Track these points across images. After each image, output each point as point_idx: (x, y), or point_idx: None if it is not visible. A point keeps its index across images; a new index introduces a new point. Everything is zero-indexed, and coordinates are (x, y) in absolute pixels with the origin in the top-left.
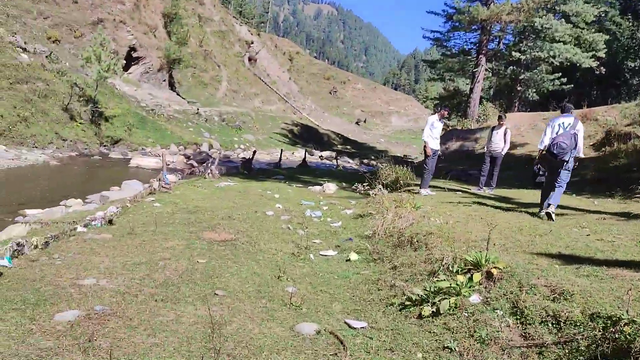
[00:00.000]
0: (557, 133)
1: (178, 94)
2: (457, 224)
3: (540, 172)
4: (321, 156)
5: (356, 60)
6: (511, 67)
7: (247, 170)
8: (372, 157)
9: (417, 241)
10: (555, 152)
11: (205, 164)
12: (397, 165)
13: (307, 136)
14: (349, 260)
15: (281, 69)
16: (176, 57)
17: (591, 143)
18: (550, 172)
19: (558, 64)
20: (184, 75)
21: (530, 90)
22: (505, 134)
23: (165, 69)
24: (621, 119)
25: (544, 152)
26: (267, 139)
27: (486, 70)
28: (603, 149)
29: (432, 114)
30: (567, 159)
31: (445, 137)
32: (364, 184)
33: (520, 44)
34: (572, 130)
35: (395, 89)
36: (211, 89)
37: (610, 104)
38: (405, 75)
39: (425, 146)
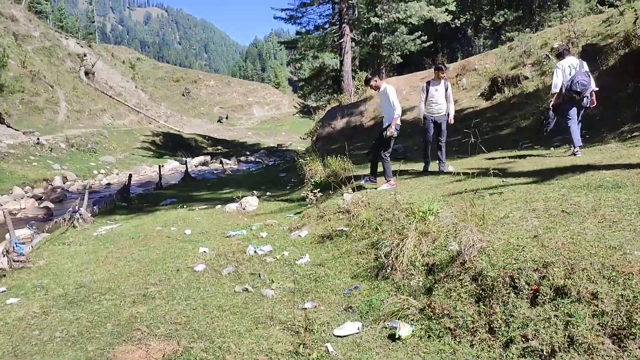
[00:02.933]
0: (569, 74)
1: (9, 126)
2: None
3: (550, 120)
4: (197, 164)
5: (198, 59)
6: (372, 33)
7: (127, 200)
8: (248, 154)
9: (526, 280)
10: (579, 89)
11: (71, 209)
12: (317, 155)
13: (172, 145)
14: (398, 338)
15: (124, 79)
16: None
17: (479, 94)
18: (578, 110)
19: (415, 23)
20: (11, 103)
21: (394, 53)
22: (447, 90)
23: None
24: (502, 64)
25: (562, 94)
26: (129, 156)
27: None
28: (494, 97)
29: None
30: (587, 95)
31: (329, 116)
32: (313, 192)
33: (376, 9)
34: (584, 69)
35: None
36: (49, 113)
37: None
38: (251, 66)
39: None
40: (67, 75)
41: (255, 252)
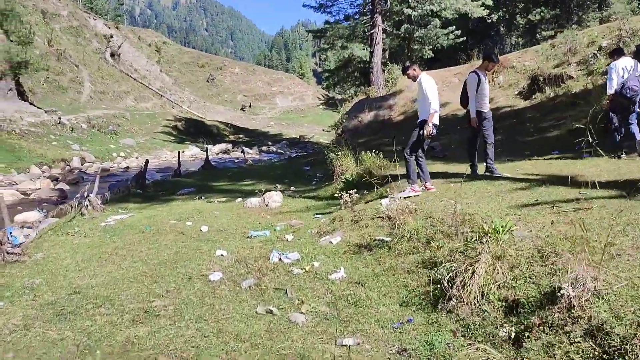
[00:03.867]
0: (622, 77)
1: (32, 104)
2: None
3: (616, 123)
4: (218, 152)
5: (224, 46)
6: (404, 25)
7: (142, 188)
8: (270, 144)
9: None
10: (628, 95)
11: (80, 193)
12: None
13: (194, 131)
14: None
15: (149, 62)
16: (21, 60)
17: (516, 92)
18: (623, 115)
19: (450, 17)
20: (36, 81)
21: (426, 47)
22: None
23: (10, 76)
24: (543, 62)
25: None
26: (150, 140)
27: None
28: (533, 96)
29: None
30: (637, 101)
31: (356, 109)
32: (348, 192)
33: (409, 0)
34: (637, 73)
35: None
36: (72, 93)
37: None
38: (276, 56)
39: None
40: (93, 55)
41: (280, 259)
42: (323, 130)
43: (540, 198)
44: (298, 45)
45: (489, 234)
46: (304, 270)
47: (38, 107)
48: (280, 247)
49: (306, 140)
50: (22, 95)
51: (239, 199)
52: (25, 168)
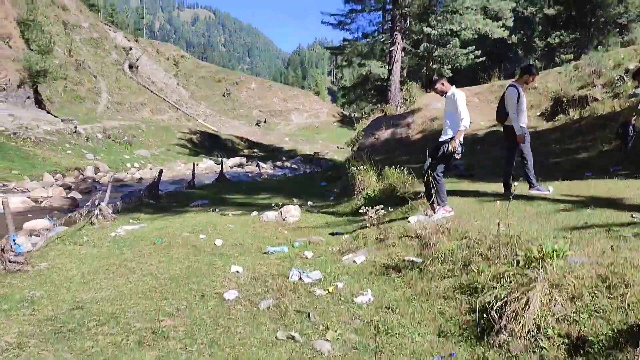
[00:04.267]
0: None
1: (49, 112)
2: None
3: (630, 134)
4: (233, 165)
5: (240, 62)
6: (424, 44)
7: (154, 198)
8: (284, 159)
9: None
10: None
11: (90, 201)
12: (372, 164)
13: (209, 144)
14: None
15: (167, 75)
16: (40, 68)
17: (538, 113)
18: None
19: (469, 37)
20: (54, 90)
21: (445, 66)
22: None
23: (29, 84)
24: (566, 84)
25: None
26: (165, 152)
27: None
28: (556, 117)
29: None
30: None
31: (373, 127)
32: (373, 208)
33: (429, 19)
34: None
35: None
36: (89, 102)
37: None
38: (292, 73)
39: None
40: (111, 67)
41: (300, 278)
42: (337, 147)
43: (590, 220)
44: (314, 64)
45: (542, 258)
46: (326, 292)
47: (55, 116)
48: (299, 265)
49: (320, 157)
50: (39, 103)
51: (255, 213)
52: (38, 176)
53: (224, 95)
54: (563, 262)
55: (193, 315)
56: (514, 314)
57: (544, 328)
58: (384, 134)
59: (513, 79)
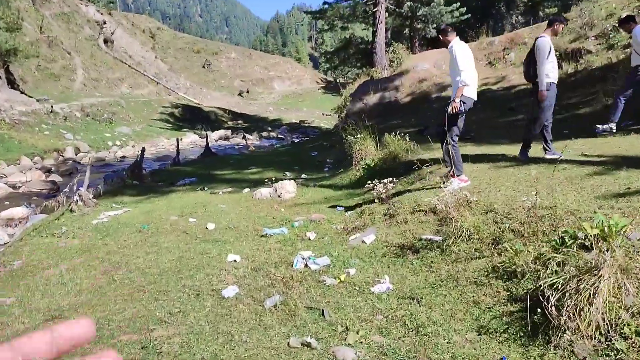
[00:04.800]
0: None
1: (23, 92)
2: None
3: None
4: (218, 138)
5: (218, 32)
6: (408, 3)
7: (138, 178)
8: (269, 129)
9: None
10: None
11: (69, 186)
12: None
13: (191, 117)
14: None
15: (144, 48)
16: (10, 47)
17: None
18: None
19: None
20: (26, 69)
21: (429, 26)
22: None
23: None
24: (558, 37)
25: None
26: (147, 128)
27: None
28: None
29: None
30: None
31: (360, 91)
32: (381, 181)
33: None
34: None
35: None
36: (65, 80)
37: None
38: (272, 40)
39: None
40: (86, 42)
41: (306, 265)
42: (323, 114)
43: (631, 184)
44: (294, 30)
45: (603, 237)
46: (338, 280)
47: (29, 96)
48: (303, 248)
49: (306, 125)
50: (12, 84)
51: (246, 190)
52: (15, 159)
53: (203, 67)
54: (621, 239)
55: (189, 320)
56: (575, 308)
57: (617, 325)
58: (372, 98)
59: (541, 32)
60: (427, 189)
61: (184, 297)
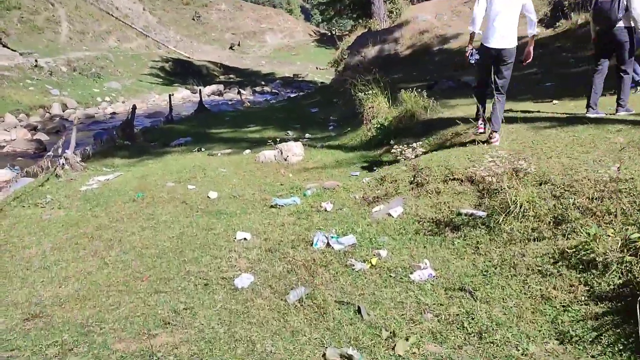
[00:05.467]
0: None
1: (5, 46)
2: None
3: None
4: (210, 93)
5: None
6: None
7: (129, 138)
8: (263, 84)
9: None
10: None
11: (53, 148)
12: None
13: (182, 72)
14: None
15: (131, 0)
16: None
17: (537, 20)
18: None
19: None
20: (8, 21)
21: None
22: None
23: None
24: None
25: None
26: (136, 83)
27: None
28: (557, 23)
29: None
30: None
31: (358, 44)
32: (407, 144)
33: None
34: None
35: None
36: (50, 33)
37: None
38: None
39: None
40: None
41: (328, 244)
42: (317, 68)
43: None
44: None
45: None
46: (369, 265)
47: (12, 50)
48: (320, 222)
49: (300, 79)
50: None
51: (247, 151)
52: None
53: (193, 19)
54: None
55: (197, 321)
56: None
57: None
58: (371, 51)
59: None
60: (457, 152)
61: (190, 287)
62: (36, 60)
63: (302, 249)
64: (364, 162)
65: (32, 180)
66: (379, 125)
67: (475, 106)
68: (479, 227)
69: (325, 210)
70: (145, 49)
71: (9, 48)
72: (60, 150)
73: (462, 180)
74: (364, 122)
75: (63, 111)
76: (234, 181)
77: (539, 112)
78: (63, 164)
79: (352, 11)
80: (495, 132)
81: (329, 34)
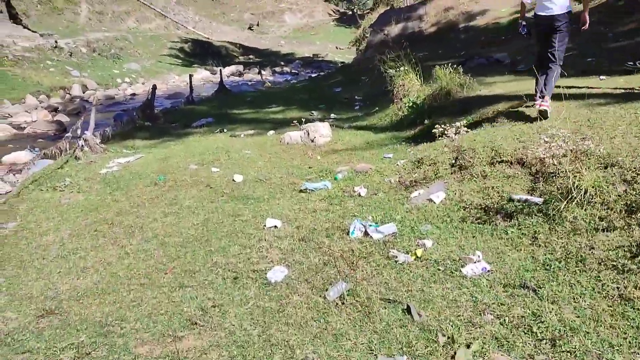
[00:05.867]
0: None
1: (26, 27)
2: None
3: None
4: (230, 74)
5: None
6: None
7: (150, 119)
8: (282, 64)
9: None
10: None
11: (71, 129)
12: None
13: (201, 52)
14: None
15: None
16: None
17: None
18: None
19: None
20: (29, 2)
21: None
22: None
23: None
24: None
25: None
26: (156, 64)
27: None
28: None
29: None
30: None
31: (381, 22)
32: (450, 124)
33: None
34: None
35: None
36: (69, 14)
37: None
38: None
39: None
40: None
41: (365, 232)
42: (337, 47)
43: None
44: None
45: None
46: (413, 257)
47: (33, 31)
48: (355, 209)
49: (320, 59)
50: (14, 18)
51: (271, 132)
52: (20, 98)
53: None
54: None
55: (227, 321)
56: None
57: None
58: (394, 29)
59: None
60: (503, 132)
61: (218, 281)
62: (56, 42)
63: (338, 238)
64: (397, 143)
65: (51, 163)
66: (411, 104)
67: (516, 83)
68: (535, 215)
69: (359, 195)
70: (164, 30)
71: (29, 29)
72: (79, 132)
73: (511, 163)
74: (394, 101)
75: (83, 92)
76: (259, 164)
77: (588, 88)
78: (82, 145)
79: None
80: (546, 96)
81: (350, 12)
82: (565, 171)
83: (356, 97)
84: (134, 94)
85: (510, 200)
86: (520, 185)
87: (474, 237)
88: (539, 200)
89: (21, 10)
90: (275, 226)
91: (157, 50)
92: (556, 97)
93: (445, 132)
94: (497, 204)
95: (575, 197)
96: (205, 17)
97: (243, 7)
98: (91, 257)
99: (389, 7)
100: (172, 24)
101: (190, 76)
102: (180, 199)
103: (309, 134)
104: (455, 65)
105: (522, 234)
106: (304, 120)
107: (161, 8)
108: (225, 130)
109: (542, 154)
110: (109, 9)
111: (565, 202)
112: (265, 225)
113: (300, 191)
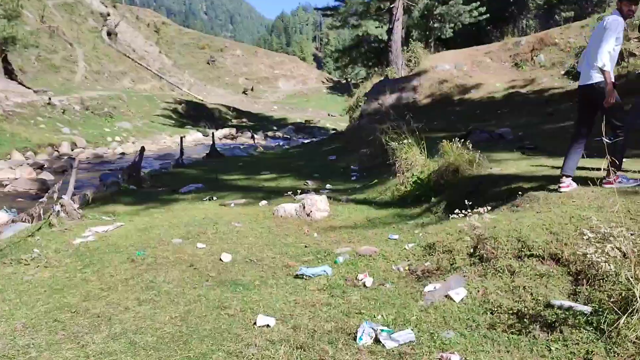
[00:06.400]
0: None
1: (20, 83)
2: None
3: None
4: (222, 137)
5: (223, 30)
6: (424, 1)
7: (136, 183)
8: (275, 129)
9: None
10: None
11: (48, 193)
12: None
13: (195, 114)
14: None
15: (148, 43)
16: (8, 35)
17: (563, 72)
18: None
19: None
20: (26, 59)
21: (446, 25)
22: None
23: None
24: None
25: None
26: (148, 124)
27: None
28: None
29: (611, 15)
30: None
31: (376, 91)
32: (473, 209)
33: None
34: None
35: None
36: (65, 72)
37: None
38: (276, 40)
39: (604, 82)
40: (88, 34)
41: (377, 339)
42: (329, 114)
43: None
44: (298, 30)
45: None
46: None
47: (27, 87)
48: (360, 304)
49: (312, 125)
50: (10, 73)
51: (264, 202)
52: (5, 154)
53: (208, 63)
54: None
55: None
56: None
57: None
58: (389, 99)
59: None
60: (529, 220)
61: None
62: (49, 98)
63: (344, 346)
64: (402, 222)
65: (23, 228)
66: (415, 179)
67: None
68: (585, 329)
69: (364, 286)
70: (159, 91)
71: (24, 85)
72: (55, 195)
73: (543, 258)
74: (397, 174)
75: (72, 150)
76: (250, 239)
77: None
78: (58, 211)
79: (367, 59)
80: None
81: (343, 81)
82: (622, 276)
83: (352, 166)
84: (123, 153)
85: (549, 305)
86: (558, 288)
87: (508, 351)
88: (587, 309)
89: (18, 66)
90: (268, 325)
91: (150, 110)
92: (580, 180)
93: (468, 217)
94: (533, 309)
95: (637, 310)
96: (201, 80)
97: (238, 72)
98: (43, 359)
99: (383, 78)
100: (167, 85)
101: (182, 138)
102: (159, 282)
103: (304, 207)
104: (459, 140)
105: (571, 352)
106: (299, 190)
107: (157, 69)
108: (214, 198)
109: (589, 253)
110: (106, 68)
111: (625, 317)
112: (255, 323)
113: (296, 276)
